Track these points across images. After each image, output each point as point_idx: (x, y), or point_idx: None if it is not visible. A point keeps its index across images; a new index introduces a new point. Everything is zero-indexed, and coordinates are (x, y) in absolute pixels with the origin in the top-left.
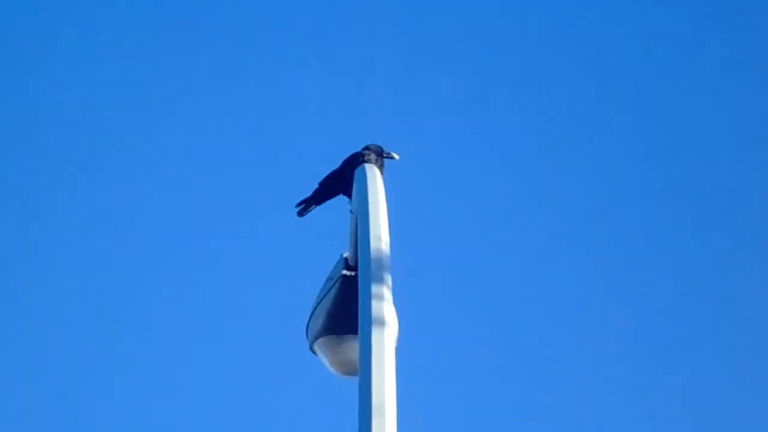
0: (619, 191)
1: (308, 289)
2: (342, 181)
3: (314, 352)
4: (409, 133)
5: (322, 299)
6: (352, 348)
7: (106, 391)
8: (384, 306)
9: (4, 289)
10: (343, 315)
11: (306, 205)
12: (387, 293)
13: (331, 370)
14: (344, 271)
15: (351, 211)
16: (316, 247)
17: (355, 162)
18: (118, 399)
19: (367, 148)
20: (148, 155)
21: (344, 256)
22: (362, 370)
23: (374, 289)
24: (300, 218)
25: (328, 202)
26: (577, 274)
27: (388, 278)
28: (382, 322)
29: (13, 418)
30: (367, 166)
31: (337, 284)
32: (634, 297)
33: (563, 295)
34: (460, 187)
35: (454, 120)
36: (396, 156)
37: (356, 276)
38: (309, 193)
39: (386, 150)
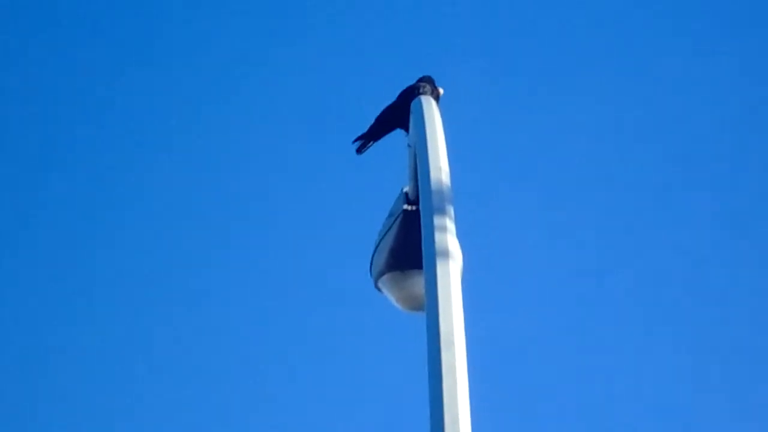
0: None
1: (370, 227)
2: (399, 115)
3: (379, 290)
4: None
5: (384, 236)
6: (417, 283)
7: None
8: (448, 238)
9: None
10: (407, 250)
11: (364, 142)
12: (450, 225)
13: (398, 306)
14: (405, 206)
15: (409, 145)
16: (375, 184)
17: (411, 95)
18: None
19: (421, 80)
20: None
21: (404, 190)
22: (429, 304)
23: (437, 221)
24: (358, 156)
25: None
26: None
27: (451, 209)
28: (446, 254)
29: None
30: (423, 98)
31: (399, 219)
32: None
33: (633, 216)
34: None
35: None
36: (441, 90)
37: (418, 210)
38: (365, 130)
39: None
